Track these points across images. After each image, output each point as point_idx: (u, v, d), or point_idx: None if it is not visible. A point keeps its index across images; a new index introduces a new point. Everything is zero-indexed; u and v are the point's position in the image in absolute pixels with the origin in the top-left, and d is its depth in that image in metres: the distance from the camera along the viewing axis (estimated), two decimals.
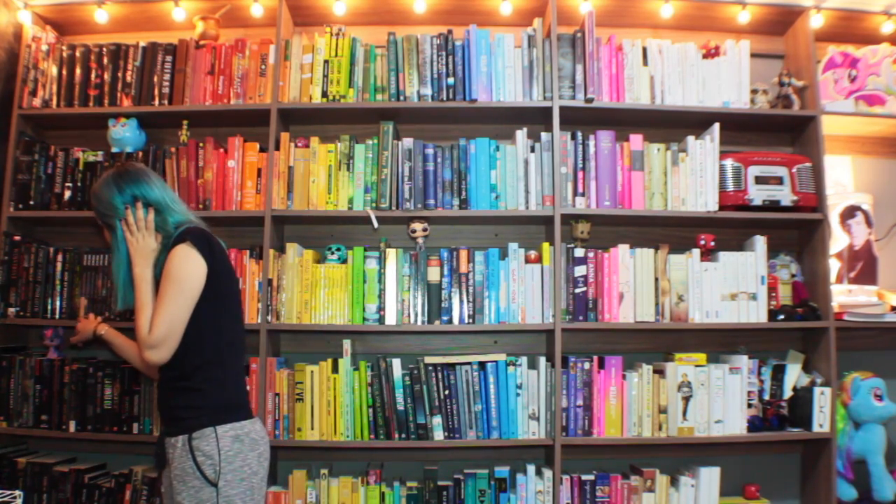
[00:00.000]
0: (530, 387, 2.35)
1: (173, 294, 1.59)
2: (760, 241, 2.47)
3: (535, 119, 2.57)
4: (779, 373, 2.45)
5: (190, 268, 1.61)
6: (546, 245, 2.40)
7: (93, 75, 2.53)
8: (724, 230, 2.59)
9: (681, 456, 2.51)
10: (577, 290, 2.39)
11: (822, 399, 2.38)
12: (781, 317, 2.44)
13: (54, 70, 2.53)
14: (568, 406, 2.34)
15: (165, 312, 1.58)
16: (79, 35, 2.74)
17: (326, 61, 2.47)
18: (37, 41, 2.55)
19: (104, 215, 1.71)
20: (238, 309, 1.76)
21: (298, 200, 2.43)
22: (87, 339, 1.98)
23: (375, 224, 2.42)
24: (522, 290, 2.39)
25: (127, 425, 2.34)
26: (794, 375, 2.46)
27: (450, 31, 2.48)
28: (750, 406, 2.40)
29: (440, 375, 2.34)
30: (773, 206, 2.45)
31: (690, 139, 2.48)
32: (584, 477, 2.35)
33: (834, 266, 2.57)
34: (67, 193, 2.48)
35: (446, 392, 2.33)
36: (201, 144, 2.46)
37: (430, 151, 2.44)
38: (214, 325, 1.65)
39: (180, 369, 1.63)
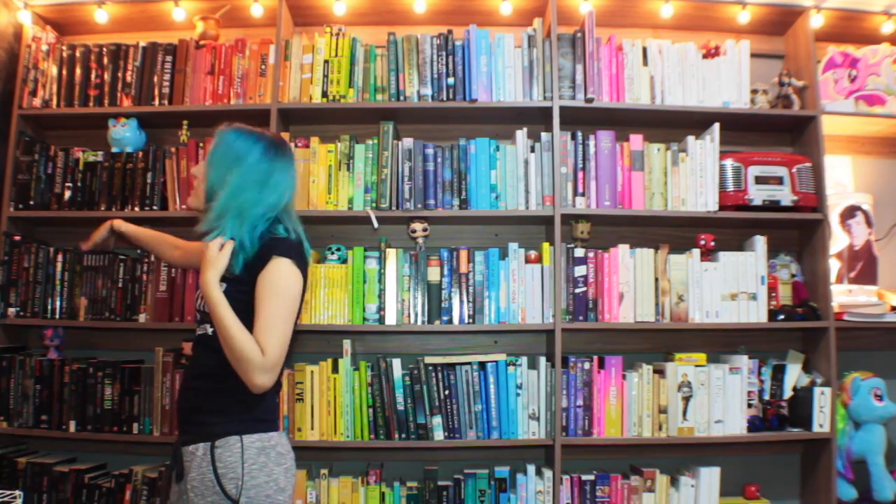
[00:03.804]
0: (530, 387, 2.35)
1: (285, 313, 1.47)
2: (760, 241, 2.46)
3: (535, 119, 2.57)
4: (779, 373, 2.45)
5: (297, 288, 1.51)
6: (546, 245, 2.40)
7: (93, 75, 2.53)
8: (724, 230, 2.59)
9: (681, 456, 2.51)
10: (577, 290, 2.38)
11: (822, 399, 2.38)
12: (781, 317, 2.44)
13: (54, 70, 2.53)
14: (568, 406, 2.34)
15: (280, 333, 1.45)
16: (79, 35, 2.74)
17: (326, 61, 2.47)
18: (37, 41, 2.55)
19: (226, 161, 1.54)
20: None
21: (298, 200, 2.41)
22: (102, 240, 1.90)
23: (375, 224, 2.42)
24: (522, 290, 2.39)
25: (127, 425, 2.34)
26: (794, 375, 2.46)
27: (450, 31, 2.48)
28: (750, 406, 2.40)
29: (440, 375, 2.34)
30: (773, 206, 2.45)
31: (690, 139, 2.48)
32: (584, 477, 2.35)
33: (834, 266, 2.57)
34: (67, 193, 2.48)
35: (446, 392, 2.33)
36: (201, 144, 2.46)
37: (430, 151, 2.44)
38: None
39: (229, 373, 1.45)
